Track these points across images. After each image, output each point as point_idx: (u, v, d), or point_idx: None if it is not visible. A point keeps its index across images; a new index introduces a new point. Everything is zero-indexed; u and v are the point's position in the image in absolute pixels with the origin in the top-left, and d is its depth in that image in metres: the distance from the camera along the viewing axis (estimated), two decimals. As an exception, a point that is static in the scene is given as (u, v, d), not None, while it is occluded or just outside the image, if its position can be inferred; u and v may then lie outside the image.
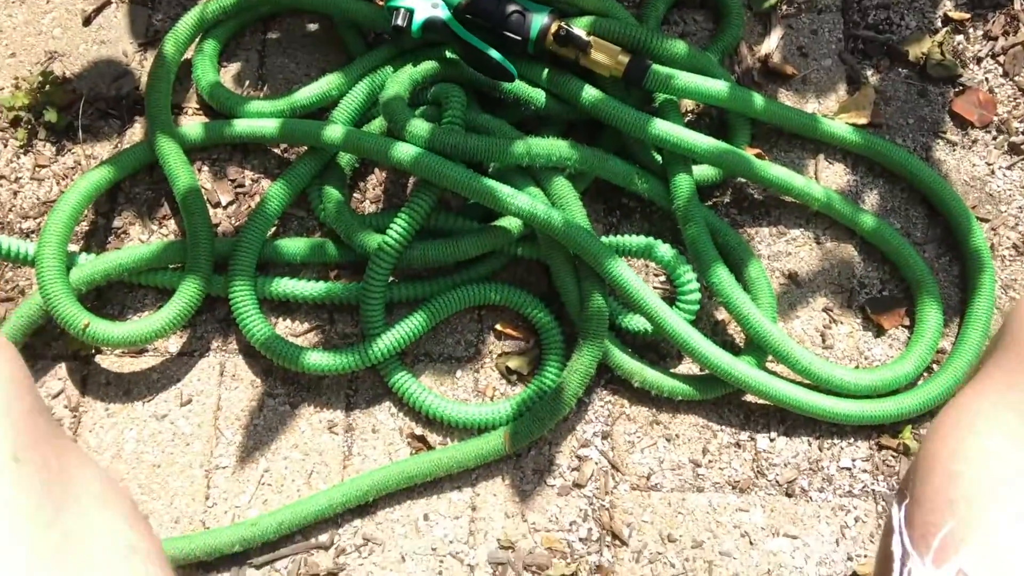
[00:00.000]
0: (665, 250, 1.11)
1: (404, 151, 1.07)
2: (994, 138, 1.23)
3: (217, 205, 1.22)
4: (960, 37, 1.29)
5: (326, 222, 1.16)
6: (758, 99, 1.17)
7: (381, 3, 1.19)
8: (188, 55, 1.25)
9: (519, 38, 1.13)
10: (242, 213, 1.22)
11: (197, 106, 1.26)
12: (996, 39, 1.28)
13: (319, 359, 1.09)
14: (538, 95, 1.16)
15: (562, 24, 1.12)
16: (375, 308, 1.11)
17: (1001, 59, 1.27)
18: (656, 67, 1.13)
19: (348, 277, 1.18)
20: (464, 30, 1.12)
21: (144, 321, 1.10)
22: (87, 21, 1.29)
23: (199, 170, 1.24)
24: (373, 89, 1.18)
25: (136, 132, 1.25)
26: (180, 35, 1.21)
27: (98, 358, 1.15)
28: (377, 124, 1.18)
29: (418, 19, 1.12)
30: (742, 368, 1.05)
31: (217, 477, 1.10)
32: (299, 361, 1.09)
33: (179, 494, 1.09)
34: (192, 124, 1.21)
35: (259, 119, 1.18)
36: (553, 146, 1.09)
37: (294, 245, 1.16)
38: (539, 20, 1.12)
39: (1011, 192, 1.20)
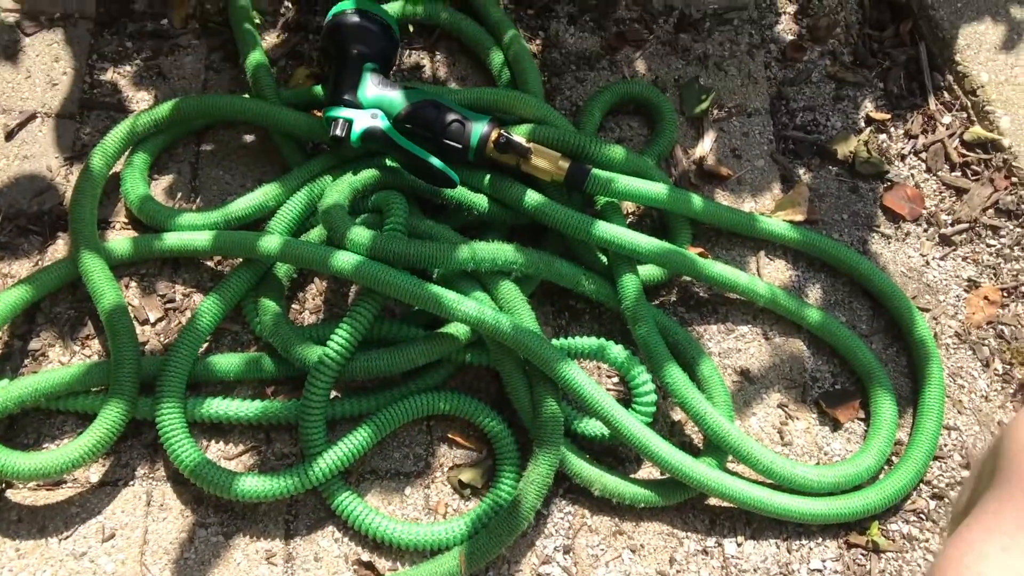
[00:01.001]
0: (618, 351, 1.08)
1: (345, 260, 1.04)
2: (925, 231, 1.27)
3: (145, 322, 1.16)
4: (883, 136, 1.35)
5: (262, 336, 1.11)
6: (697, 200, 1.19)
7: (319, 114, 1.18)
8: (117, 168, 1.22)
9: (459, 146, 1.13)
10: (172, 330, 1.16)
11: (125, 220, 1.22)
12: (916, 137, 1.34)
13: (254, 485, 1.01)
14: (480, 200, 1.16)
15: (502, 132, 1.13)
16: (315, 425, 1.04)
17: (923, 156, 1.33)
18: (596, 171, 1.14)
19: (286, 394, 1.12)
20: (404, 139, 1.11)
21: (61, 450, 1.01)
22: (9, 136, 1.24)
23: (126, 286, 1.18)
24: (311, 198, 1.16)
25: (58, 249, 1.19)
26: (108, 148, 1.17)
27: (8, 492, 1.04)
28: (316, 234, 1.15)
29: (357, 129, 1.11)
30: (703, 471, 1.02)
31: (141, 623, 0.99)
32: (232, 488, 1.01)
33: (96, 645, 0.98)
34: (119, 239, 1.16)
35: (191, 232, 1.14)
36: (498, 250, 1.07)
37: (227, 362, 1.10)
38: (479, 128, 1.13)
39: (947, 282, 1.23)
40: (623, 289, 1.11)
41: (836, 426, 1.13)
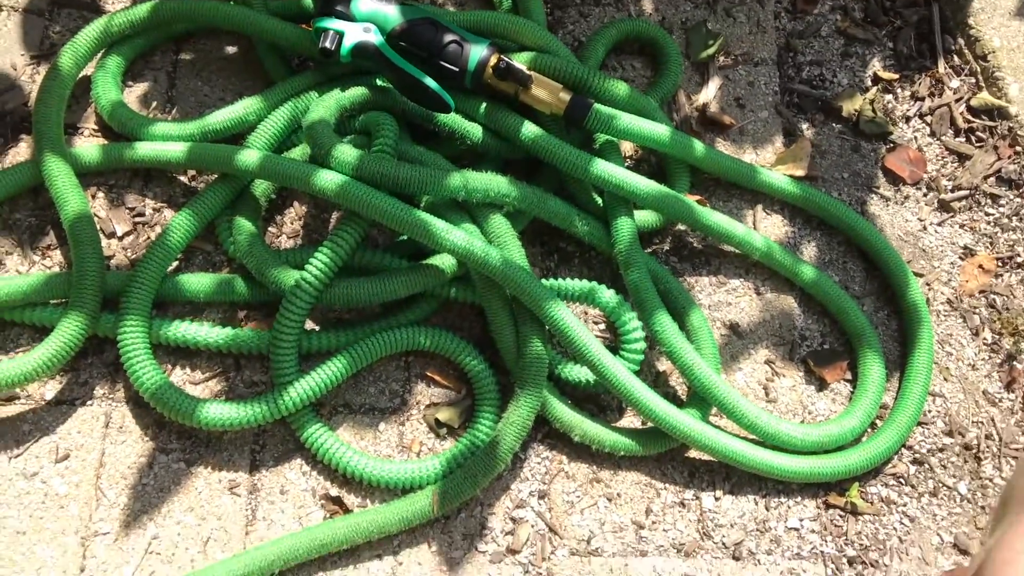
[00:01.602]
0: (609, 296, 1.04)
1: (328, 179, 0.98)
2: (925, 195, 1.24)
3: (112, 235, 1.10)
4: (889, 96, 1.31)
5: (236, 257, 1.05)
6: (699, 146, 1.14)
7: (308, 26, 1.11)
8: (88, 72, 1.14)
9: (456, 69, 1.07)
10: (140, 245, 1.10)
11: (95, 127, 1.14)
12: (923, 99, 1.31)
13: (219, 412, 0.97)
14: (474, 129, 1.10)
15: (502, 57, 1.07)
16: (287, 353, 0.99)
17: (928, 119, 1.29)
18: (598, 107, 1.08)
19: (259, 320, 1.07)
20: (398, 56, 1.05)
21: (12, 362, 0.95)
22: (-29, 28, 1.16)
23: (93, 196, 1.11)
24: (295, 115, 1.09)
25: (20, 152, 1.12)
26: (80, 48, 1.09)
27: (-44, 406, 0.99)
28: (299, 152, 1.09)
29: (348, 43, 1.05)
30: (687, 421, 0.99)
31: (96, 545, 0.95)
32: (196, 415, 0.96)
33: (48, 566, 0.93)
34: (88, 145, 1.09)
35: (165, 142, 1.07)
36: (492, 181, 1.02)
37: (198, 281, 1.04)
38: (478, 52, 1.07)
39: (943, 248, 1.21)
40: (617, 232, 1.07)
41: (822, 386, 1.11)
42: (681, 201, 1.10)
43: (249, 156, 1.01)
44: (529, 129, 1.08)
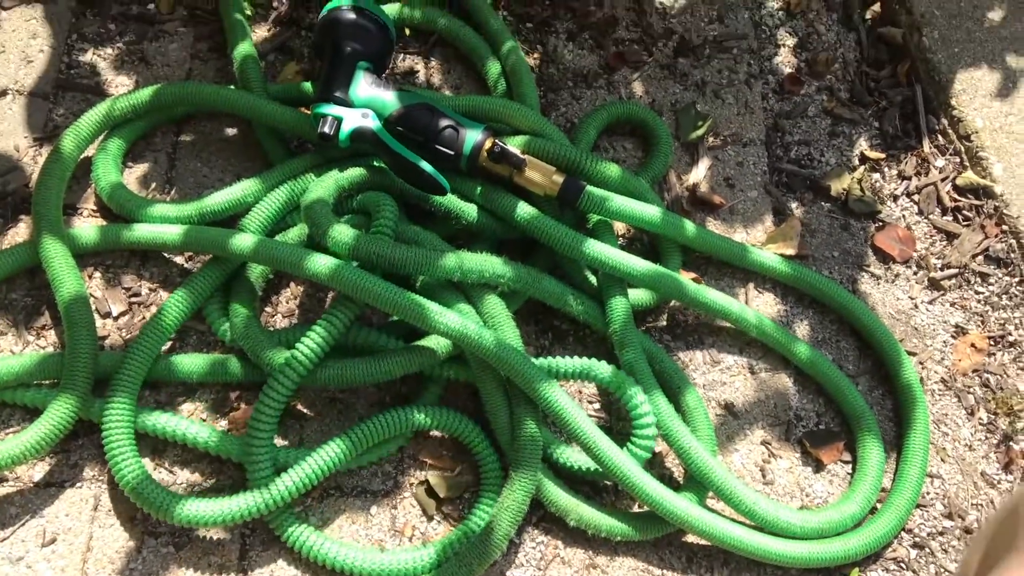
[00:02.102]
0: (607, 370, 1.04)
1: (320, 263, 0.99)
2: (915, 273, 1.26)
3: (107, 315, 1.10)
4: (877, 175, 1.33)
5: (232, 340, 1.05)
6: (689, 226, 1.16)
7: (307, 110, 1.14)
8: (89, 153, 1.16)
9: (451, 153, 1.09)
10: (135, 325, 1.10)
11: (94, 208, 1.16)
12: (909, 178, 1.33)
13: (197, 509, 0.94)
14: (470, 209, 1.12)
15: (496, 141, 1.09)
16: (262, 446, 0.97)
17: (915, 198, 1.32)
18: (591, 189, 1.10)
19: (251, 401, 1.06)
20: (395, 141, 1.07)
21: (1, 444, 0.94)
22: (-23, 111, 1.18)
23: (90, 277, 1.12)
24: (292, 196, 1.11)
25: (20, 233, 1.13)
26: (82, 130, 1.11)
27: (-57, 490, 0.97)
28: (296, 233, 1.10)
29: (346, 128, 1.07)
30: (684, 507, 0.98)
31: (77, 637, 0.93)
32: (173, 511, 0.94)
33: (27, 659, 0.91)
34: (86, 226, 1.10)
35: (161, 225, 1.08)
36: (486, 262, 1.03)
37: (191, 362, 1.04)
38: (473, 136, 1.09)
39: (935, 327, 1.21)
40: (612, 312, 1.07)
41: (819, 467, 1.10)
42: (676, 280, 1.11)
43: (243, 240, 1.02)
44: (524, 210, 1.10)
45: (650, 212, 1.13)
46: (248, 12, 1.30)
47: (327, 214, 1.01)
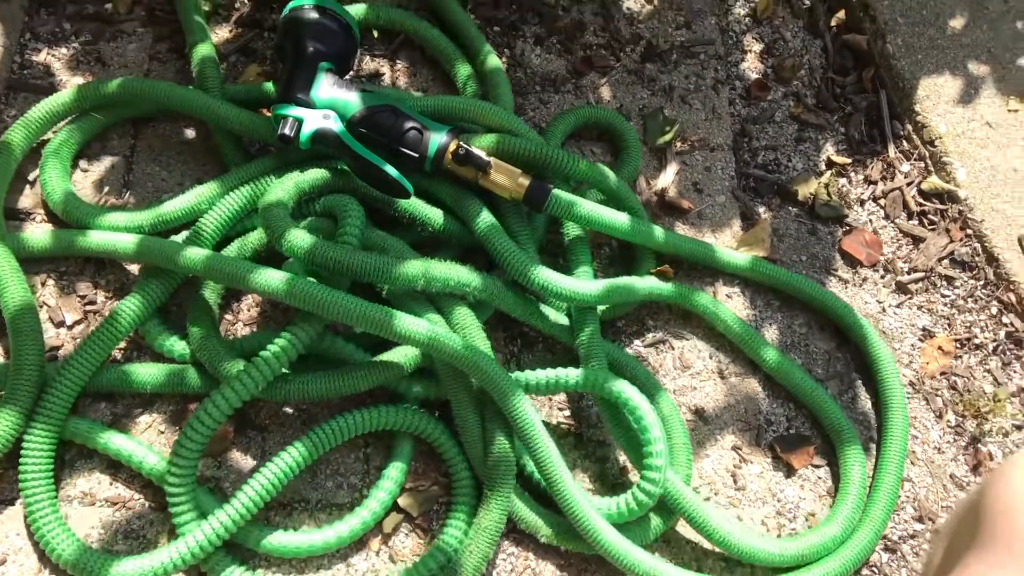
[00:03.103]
0: (576, 375, 1.01)
1: (274, 279, 0.94)
2: (882, 277, 1.26)
3: (61, 324, 1.06)
4: (843, 180, 1.34)
5: (191, 353, 1.01)
6: (659, 232, 1.15)
7: (267, 112, 1.11)
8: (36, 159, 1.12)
9: (416, 155, 1.07)
10: (90, 334, 1.06)
11: (47, 215, 1.12)
12: (875, 183, 1.34)
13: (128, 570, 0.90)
14: (435, 215, 1.09)
15: (461, 143, 1.07)
16: (185, 471, 0.92)
17: (882, 202, 1.33)
18: (558, 192, 1.09)
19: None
20: (357, 143, 1.05)
21: None
22: (-77, 113, 1.14)
23: (43, 284, 1.08)
24: (250, 200, 1.07)
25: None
26: (31, 124, 1.07)
27: None
28: (256, 236, 1.07)
29: (307, 130, 1.05)
30: (643, 558, 0.94)
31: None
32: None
33: None
34: (38, 231, 1.06)
35: (116, 233, 1.04)
36: (452, 270, 1.01)
37: (146, 372, 1.01)
38: (438, 138, 1.07)
39: (903, 330, 1.22)
40: (579, 325, 1.06)
41: (790, 472, 1.10)
42: (628, 288, 1.09)
43: (192, 255, 0.98)
44: (484, 220, 1.07)
45: (619, 219, 1.12)
46: (207, 8, 1.27)
47: (284, 217, 0.98)
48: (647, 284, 1.11)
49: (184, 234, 1.08)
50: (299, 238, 0.96)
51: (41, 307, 1.06)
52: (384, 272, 0.97)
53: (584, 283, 1.06)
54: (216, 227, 1.04)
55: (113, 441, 0.97)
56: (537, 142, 1.11)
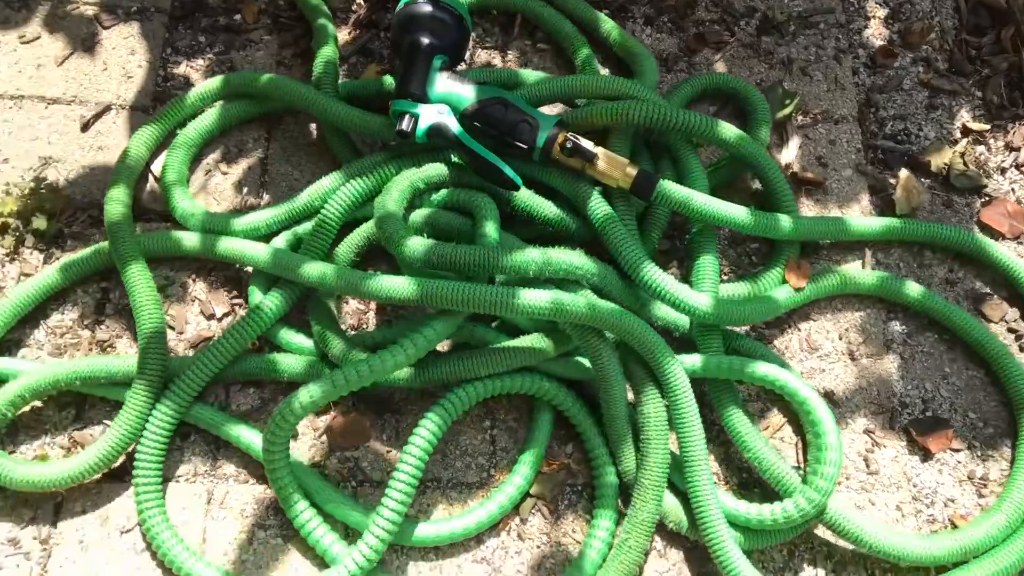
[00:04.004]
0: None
1: (405, 286, 0.97)
2: (1027, 249, 1.19)
3: (212, 317, 1.15)
4: (981, 148, 1.27)
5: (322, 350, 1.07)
6: (784, 222, 1.10)
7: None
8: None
9: (525, 146, 1.09)
10: (238, 326, 1.14)
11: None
12: (1018, 149, 1.26)
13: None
14: (550, 209, 1.11)
15: (569, 135, 1.08)
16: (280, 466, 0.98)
17: (1025, 169, 1.25)
18: (665, 184, 1.07)
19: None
20: (470, 138, 1.08)
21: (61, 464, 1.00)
22: (85, 127, 1.25)
23: (193, 280, 1.16)
24: (369, 190, 1.12)
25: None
26: (147, 134, 1.18)
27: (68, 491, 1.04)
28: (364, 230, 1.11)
29: (423, 125, 1.09)
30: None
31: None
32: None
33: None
34: (188, 235, 1.15)
35: (247, 242, 1.11)
36: (568, 255, 1.00)
37: (287, 362, 1.07)
38: (547, 129, 1.09)
39: (1050, 305, 1.15)
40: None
41: (926, 456, 1.06)
42: (731, 304, 1.05)
43: (314, 268, 1.03)
44: (600, 209, 1.08)
45: (736, 212, 1.08)
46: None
47: (399, 226, 1.01)
48: (758, 306, 1.06)
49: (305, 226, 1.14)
50: (416, 245, 0.99)
51: (193, 301, 1.15)
52: (499, 262, 0.98)
53: (694, 295, 1.03)
54: (341, 211, 1.09)
55: (234, 430, 1.04)
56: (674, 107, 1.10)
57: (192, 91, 1.20)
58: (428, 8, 1.13)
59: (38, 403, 1.07)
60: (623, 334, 0.97)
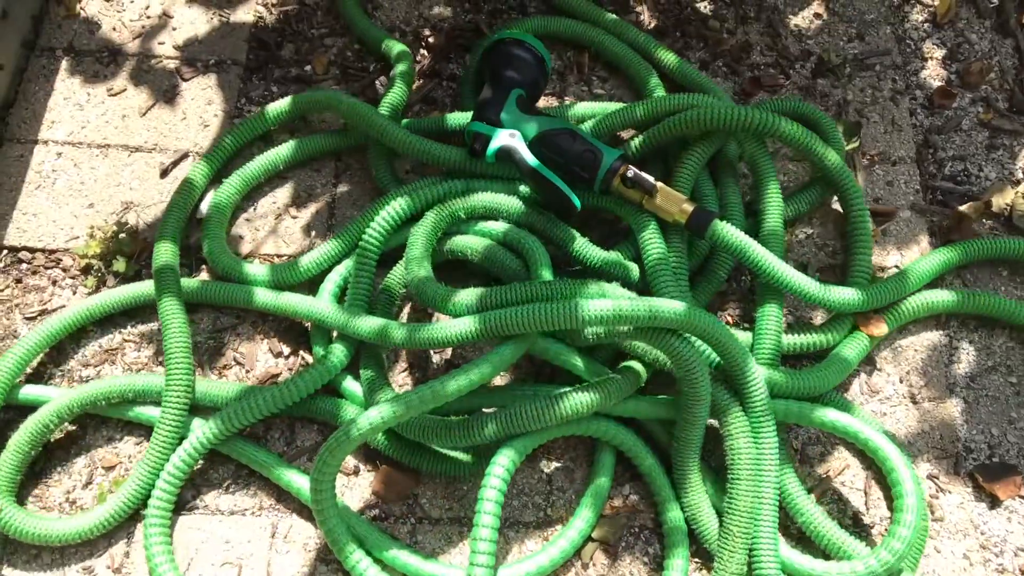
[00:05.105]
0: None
1: (464, 326, 0.99)
2: (1095, 291, 1.17)
3: (279, 355, 1.19)
4: (1045, 188, 1.25)
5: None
6: (847, 294, 1.07)
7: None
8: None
9: (586, 175, 1.14)
10: (300, 364, 1.18)
11: (264, 253, 1.26)
12: (1084, 190, 1.24)
13: None
14: (600, 255, 1.13)
15: (630, 167, 1.12)
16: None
17: (1092, 210, 1.23)
18: (719, 224, 1.08)
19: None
20: (538, 162, 1.13)
21: (77, 518, 1.04)
22: (164, 173, 1.32)
23: (264, 318, 1.21)
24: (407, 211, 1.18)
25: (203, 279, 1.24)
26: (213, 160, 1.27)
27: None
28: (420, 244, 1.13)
29: (494, 145, 1.16)
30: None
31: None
32: None
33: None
34: (255, 289, 1.19)
35: (286, 295, 1.15)
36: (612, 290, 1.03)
37: (351, 408, 1.11)
38: (609, 161, 1.13)
39: (1123, 349, 1.12)
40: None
41: (994, 503, 1.04)
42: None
43: (367, 323, 1.07)
44: (654, 247, 1.10)
45: (795, 278, 1.06)
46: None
47: (436, 287, 1.04)
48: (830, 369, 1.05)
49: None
50: (463, 299, 1.02)
51: (264, 338, 1.20)
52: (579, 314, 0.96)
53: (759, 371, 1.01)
54: (379, 241, 1.15)
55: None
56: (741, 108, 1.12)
57: (270, 108, 1.29)
58: (515, 48, 1.23)
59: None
60: (696, 334, 0.96)
